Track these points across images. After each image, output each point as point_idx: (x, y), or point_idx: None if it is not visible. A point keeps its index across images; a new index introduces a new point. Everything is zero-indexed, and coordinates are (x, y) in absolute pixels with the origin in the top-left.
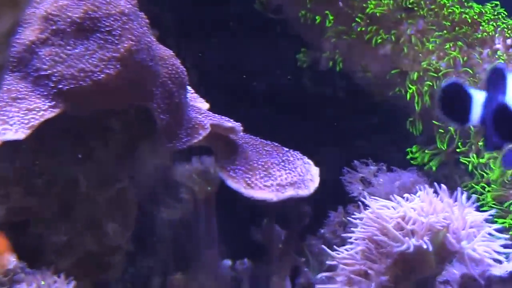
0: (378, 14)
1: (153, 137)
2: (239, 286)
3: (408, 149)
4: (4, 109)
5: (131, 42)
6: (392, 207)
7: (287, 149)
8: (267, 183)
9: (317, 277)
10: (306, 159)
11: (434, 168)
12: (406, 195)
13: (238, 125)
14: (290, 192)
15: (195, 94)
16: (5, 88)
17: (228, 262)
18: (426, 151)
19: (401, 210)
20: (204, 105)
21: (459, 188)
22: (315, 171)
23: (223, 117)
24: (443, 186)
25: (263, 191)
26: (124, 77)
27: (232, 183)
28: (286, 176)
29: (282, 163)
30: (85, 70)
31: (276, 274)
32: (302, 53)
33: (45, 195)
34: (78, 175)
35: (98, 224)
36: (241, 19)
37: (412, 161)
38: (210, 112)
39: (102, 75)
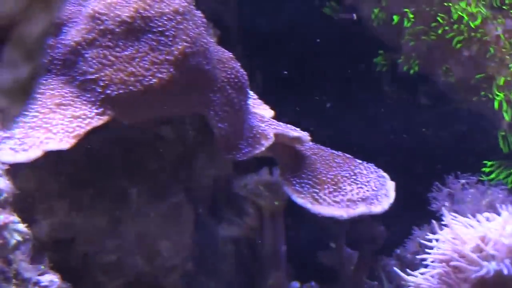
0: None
1: (210, 147)
2: None
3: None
4: (48, 116)
5: (185, 44)
6: (472, 226)
7: (360, 161)
8: (336, 199)
9: None
10: (381, 172)
11: None
12: (486, 214)
13: (305, 135)
14: (361, 209)
15: (258, 100)
16: (49, 94)
17: (296, 285)
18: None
19: (481, 230)
20: (268, 112)
21: None
22: (390, 185)
23: (289, 125)
24: None
25: (332, 207)
26: (178, 82)
27: (298, 198)
28: (357, 191)
29: (354, 177)
30: (136, 74)
31: None
32: (381, 56)
33: (91, 210)
34: (128, 188)
35: (150, 242)
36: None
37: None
38: (275, 121)
39: (154, 80)
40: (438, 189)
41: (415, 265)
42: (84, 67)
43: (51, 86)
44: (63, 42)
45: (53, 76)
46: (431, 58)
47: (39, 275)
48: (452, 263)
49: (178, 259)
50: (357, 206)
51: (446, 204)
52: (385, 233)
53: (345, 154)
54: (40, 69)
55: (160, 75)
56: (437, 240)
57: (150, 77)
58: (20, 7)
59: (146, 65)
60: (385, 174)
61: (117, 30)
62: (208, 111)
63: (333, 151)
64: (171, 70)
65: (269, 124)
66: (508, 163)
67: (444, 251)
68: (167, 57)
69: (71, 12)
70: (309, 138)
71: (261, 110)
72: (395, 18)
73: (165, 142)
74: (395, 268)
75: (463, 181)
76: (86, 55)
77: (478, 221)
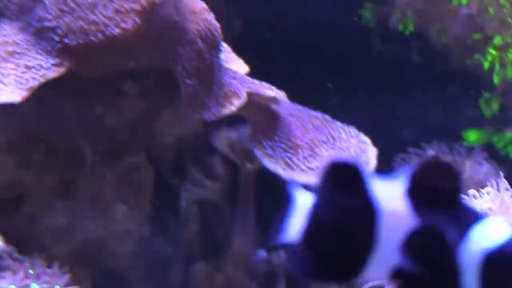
0: None
1: (176, 105)
2: (274, 283)
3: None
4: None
5: None
6: None
7: (341, 124)
8: (311, 165)
9: None
10: (362, 137)
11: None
12: (472, 191)
13: (281, 95)
14: None
15: (232, 54)
16: (1, 40)
17: (263, 254)
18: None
19: None
20: (242, 68)
21: None
22: (372, 152)
23: (264, 83)
24: None
25: (306, 174)
26: (144, 33)
27: (269, 163)
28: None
29: (332, 141)
30: (97, 23)
31: None
32: (367, 10)
33: (42, 168)
34: (83, 146)
35: (104, 205)
36: None
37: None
38: (249, 78)
39: (117, 30)
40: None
41: None
42: (41, 13)
43: (4, 32)
44: None
45: (7, 21)
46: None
47: None
48: None
49: (133, 223)
50: None
51: None
52: None
53: (325, 116)
54: None
55: (124, 25)
56: None
57: (114, 27)
58: None
59: (109, 14)
60: (366, 140)
61: None
62: (175, 65)
63: (312, 112)
64: (137, 20)
65: (242, 81)
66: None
67: None
68: (133, 6)
69: None
70: (285, 98)
71: (234, 65)
72: None
73: (126, 97)
74: None
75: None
76: (45, 0)
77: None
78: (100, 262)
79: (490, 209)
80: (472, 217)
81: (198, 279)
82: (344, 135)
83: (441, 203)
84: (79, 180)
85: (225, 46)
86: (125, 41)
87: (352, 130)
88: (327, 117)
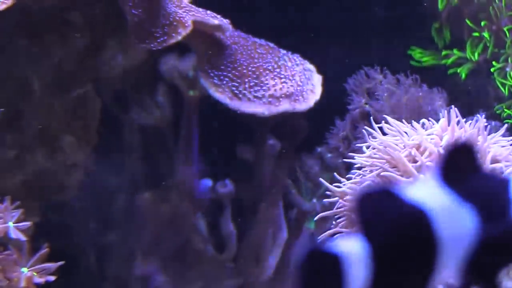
0: None
1: (122, 35)
2: (220, 212)
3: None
4: None
5: None
6: (405, 133)
7: (285, 51)
8: (257, 94)
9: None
10: (307, 65)
11: (463, 76)
12: (423, 120)
13: (226, 22)
14: (285, 106)
15: None
16: None
17: (208, 182)
18: (455, 53)
19: (416, 138)
20: None
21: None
22: (317, 79)
23: (208, 12)
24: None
25: (252, 103)
26: None
27: (216, 93)
28: (281, 86)
29: (277, 69)
30: None
31: (265, 200)
32: None
33: None
34: (31, 76)
35: (52, 137)
36: None
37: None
38: (194, 6)
39: None
40: (356, 82)
41: (337, 167)
42: None
43: None
44: None
45: None
46: None
47: None
48: (383, 173)
49: (81, 155)
50: (280, 103)
51: (362, 101)
52: (307, 128)
53: (269, 43)
54: None
55: None
56: (367, 147)
57: None
58: None
59: None
60: (311, 67)
61: None
62: None
63: (256, 40)
64: None
65: (188, 10)
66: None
67: (374, 158)
68: None
69: None
70: (230, 26)
71: None
72: None
73: (73, 28)
74: (321, 179)
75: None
76: None
77: (413, 128)
78: (49, 194)
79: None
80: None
81: (143, 208)
82: (289, 63)
83: (473, 183)
84: (27, 112)
85: None
86: None
87: (297, 58)
88: (272, 45)
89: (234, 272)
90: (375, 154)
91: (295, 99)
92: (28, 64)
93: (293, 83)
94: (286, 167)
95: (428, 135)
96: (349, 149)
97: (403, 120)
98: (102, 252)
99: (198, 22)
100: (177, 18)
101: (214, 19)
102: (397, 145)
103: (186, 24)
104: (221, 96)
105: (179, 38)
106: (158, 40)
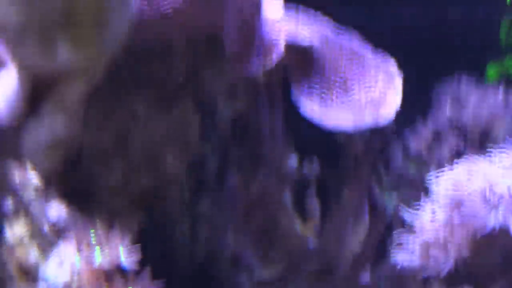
0: None
1: (221, 61)
2: (305, 189)
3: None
4: None
5: None
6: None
7: (368, 51)
8: (344, 104)
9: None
10: (390, 66)
11: None
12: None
13: (317, 42)
14: (368, 116)
15: None
16: None
17: (294, 160)
18: None
19: (487, 173)
20: (278, 8)
21: None
22: (398, 83)
23: (300, 30)
24: None
25: (340, 113)
26: (193, 8)
27: (306, 104)
28: (366, 95)
29: (362, 76)
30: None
31: (350, 186)
32: None
33: (99, 127)
34: (136, 100)
35: (155, 155)
36: None
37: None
38: (286, 20)
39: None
40: (443, 89)
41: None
42: None
43: None
44: None
45: None
46: None
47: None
48: (457, 208)
49: (182, 170)
50: (365, 111)
51: (448, 108)
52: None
53: (356, 46)
54: None
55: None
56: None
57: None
58: None
59: None
60: (393, 68)
61: None
62: (221, 29)
63: (342, 40)
64: None
65: (280, 29)
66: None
67: (448, 193)
68: None
69: None
70: (319, 43)
71: (271, 10)
72: None
73: (176, 54)
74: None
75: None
76: None
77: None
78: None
79: None
80: None
81: (234, 186)
82: (372, 67)
83: None
84: (132, 133)
85: None
86: (176, 11)
87: (380, 57)
88: (355, 46)
89: (318, 251)
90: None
91: (379, 105)
92: (133, 87)
93: (377, 90)
94: (371, 155)
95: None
96: (432, 156)
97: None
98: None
99: (290, 43)
100: (271, 42)
101: (305, 39)
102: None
103: (279, 48)
104: (311, 106)
105: (273, 60)
106: (253, 64)
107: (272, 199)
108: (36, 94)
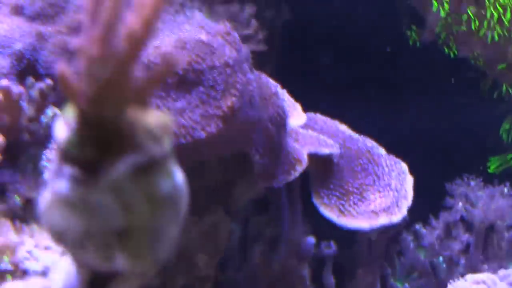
0: None
1: (249, 175)
2: (322, 268)
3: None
4: None
5: (233, 99)
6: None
7: (383, 153)
8: (360, 210)
9: None
10: (401, 166)
11: None
12: (502, 272)
13: (336, 150)
14: (383, 220)
15: (293, 103)
16: None
17: (312, 240)
18: None
19: None
20: (301, 118)
21: None
22: (409, 183)
23: (320, 138)
24: None
25: (356, 220)
26: (225, 134)
27: (325, 211)
28: (380, 201)
29: (377, 181)
30: (186, 127)
31: (363, 267)
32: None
33: None
34: None
35: (189, 256)
36: None
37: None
38: (307, 132)
39: (203, 133)
40: (456, 185)
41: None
42: None
43: None
44: None
45: None
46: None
47: None
48: None
49: (212, 269)
50: (379, 217)
51: (460, 204)
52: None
53: (371, 149)
54: None
55: (209, 129)
56: None
57: (200, 131)
58: None
59: (196, 118)
60: (404, 167)
61: (170, 81)
62: (249, 149)
63: (359, 146)
64: (219, 124)
65: (303, 140)
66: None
67: None
68: (216, 112)
69: None
70: (339, 151)
71: (294, 118)
72: None
73: (207, 168)
74: None
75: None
76: None
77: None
78: None
79: None
80: None
81: (256, 265)
82: (386, 168)
83: None
84: None
85: (286, 96)
86: (208, 141)
87: (392, 160)
88: (372, 151)
89: None
90: None
91: (391, 212)
92: None
93: (390, 194)
94: (384, 240)
95: None
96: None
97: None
98: None
99: (313, 155)
100: (295, 156)
101: (325, 147)
102: None
103: (303, 162)
104: (330, 214)
105: (297, 175)
106: (279, 179)
107: (292, 274)
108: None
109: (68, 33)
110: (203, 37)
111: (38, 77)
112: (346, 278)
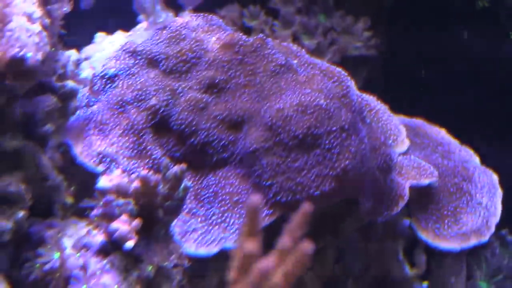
0: None
1: (357, 214)
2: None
3: None
4: (226, 214)
5: (347, 161)
6: None
7: (476, 165)
8: (453, 233)
9: None
10: (493, 179)
11: None
12: None
13: (434, 179)
14: (473, 241)
15: (396, 126)
16: (229, 190)
17: (407, 222)
18: None
19: None
20: (403, 143)
21: None
22: (499, 197)
23: (421, 166)
24: None
25: (449, 242)
26: (337, 192)
27: (422, 234)
28: (471, 224)
29: (470, 202)
30: (303, 185)
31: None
32: None
33: None
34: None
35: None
36: None
37: None
38: (409, 160)
39: (318, 192)
40: None
41: None
42: (259, 171)
43: (231, 182)
44: (244, 143)
45: (231, 168)
46: None
47: None
48: None
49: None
50: (470, 239)
51: None
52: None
53: (466, 163)
54: None
55: (323, 188)
56: None
57: (315, 189)
58: None
59: (312, 177)
60: (495, 181)
61: (290, 143)
62: (358, 195)
63: (455, 163)
64: (332, 184)
65: (406, 173)
66: None
67: None
68: (330, 172)
69: (252, 111)
70: (437, 178)
71: (399, 146)
72: None
73: (321, 214)
74: None
75: None
76: (263, 162)
77: None
78: None
79: None
80: None
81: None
82: (478, 184)
83: None
84: None
85: (392, 123)
86: (322, 198)
87: (484, 174)
88: (467, 165)
89: None
90: None
91: (481, 233)
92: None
93: (481, 213)
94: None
95: None
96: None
97: None
98: None
99: (413, 187)
100: (398, 193)
101: (425, 178)
102: None
103: (405, 197)
104: (426, 236)
105: (399, 210)
106: (383, 215)
107: (388, 254)
108: None
109: (199, 90)
110: (322, 101)
111: (171, 132)
112: (434, 264)
